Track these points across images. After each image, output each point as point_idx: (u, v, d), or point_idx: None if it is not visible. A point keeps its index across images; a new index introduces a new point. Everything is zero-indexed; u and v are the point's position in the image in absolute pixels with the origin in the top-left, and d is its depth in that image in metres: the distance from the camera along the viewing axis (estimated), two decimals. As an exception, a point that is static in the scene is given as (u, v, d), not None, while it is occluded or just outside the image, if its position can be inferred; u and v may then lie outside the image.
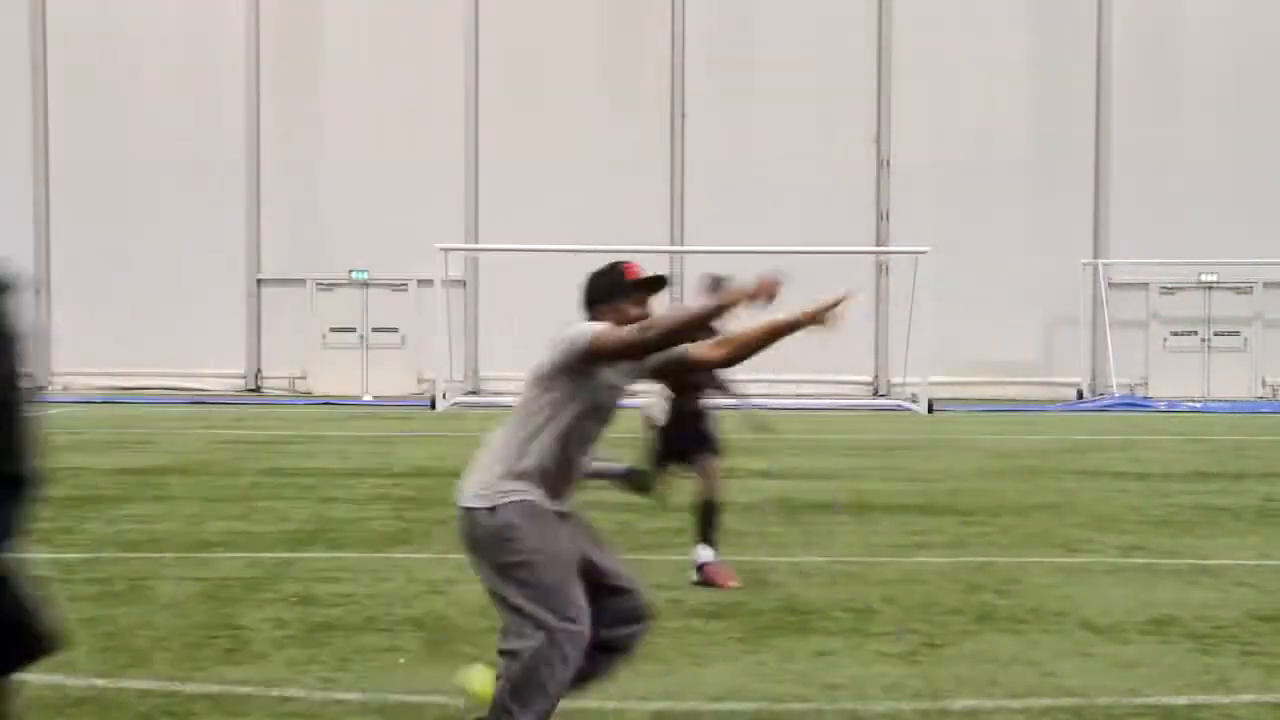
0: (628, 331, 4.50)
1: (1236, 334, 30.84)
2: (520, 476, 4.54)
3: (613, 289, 4.78)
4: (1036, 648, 6.52)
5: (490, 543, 4.51)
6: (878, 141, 30.73)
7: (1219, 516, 11.20)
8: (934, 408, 25.91)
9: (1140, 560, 9.05)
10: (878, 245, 30.53)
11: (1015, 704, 5.55)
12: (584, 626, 4.44)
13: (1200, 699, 5.61)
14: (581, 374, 4.56)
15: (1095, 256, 30.41)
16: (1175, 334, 30.95)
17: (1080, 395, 29.72)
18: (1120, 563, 8.96)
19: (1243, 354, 30.73)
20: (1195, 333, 30.92)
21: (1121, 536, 10.07)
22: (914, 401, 26.65)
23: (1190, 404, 28.04)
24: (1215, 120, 30.52)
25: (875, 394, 30.47)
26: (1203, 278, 30.59)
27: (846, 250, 28.99)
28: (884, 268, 30.73)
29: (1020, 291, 30.23)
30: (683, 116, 30.53)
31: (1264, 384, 30.61)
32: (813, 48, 30.36)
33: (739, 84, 30.34)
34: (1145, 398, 29.18)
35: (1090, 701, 5.58)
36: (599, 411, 4.66)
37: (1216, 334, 30.87)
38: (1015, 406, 27.56)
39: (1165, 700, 5.59)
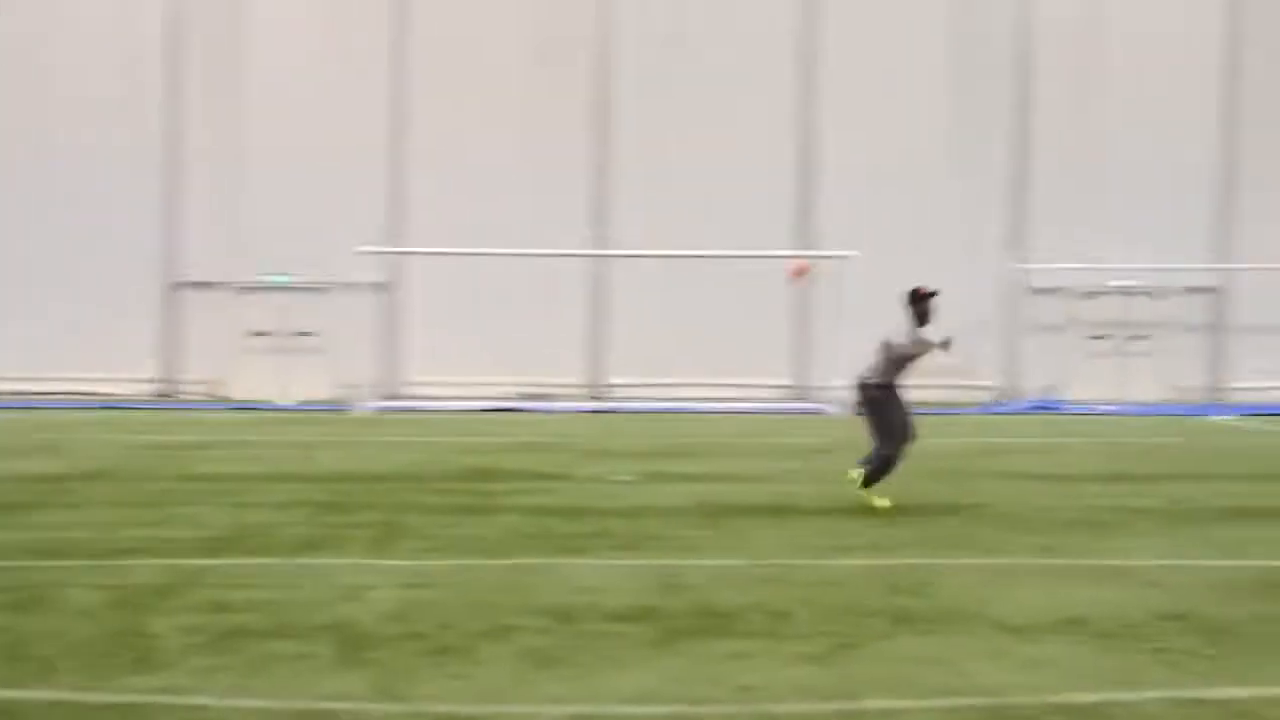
0: None
1: (1148, 338, 31.37)
2: None
3: None
4: (951, 648, 6.57)
5: None
6: (802, 146, 30.90)
7: (1130, 517, 11.38)
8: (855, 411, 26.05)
9: (1054, 561, 9.16)
10: (801, 249, 30.66)
11: (928, 704, 5.59)
12: None
13: (1110, 696, 5.68)
14: None
15: (1014, 261, 30.77)
16: (1092, 338, 31.41)
17: (998, 398, 30.08)
18: (1034, 564, 9.07)
19: (1153, 358, 31.27)
20: (1111, 336, 31.40)
21: (1036, 538, 10.19)
22: (834, 405, 26.80)
23: (1105, 407, 28.46)
24: (1134, 127, 31.00)
25: (798, 398, 30.62)
26: (1119, 283, 31.09)
27: (769, 255, 29.11)
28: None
29: (940, 295, 30.49)
30: (607, 119, 30.53)
31: (1174, 388, 31.13)
32: (738, 51, 30.50)
33: (664, 86, 30.35)
34: (1061, 401, 29.58)
35: (1003, 701, 5.63)
36: None
37: (1131, 338, 31.37)
38: (933, 409, 27.82)
39: (1076, 699, 5.65)
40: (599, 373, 30.65)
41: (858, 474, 11.91)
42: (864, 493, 11.81)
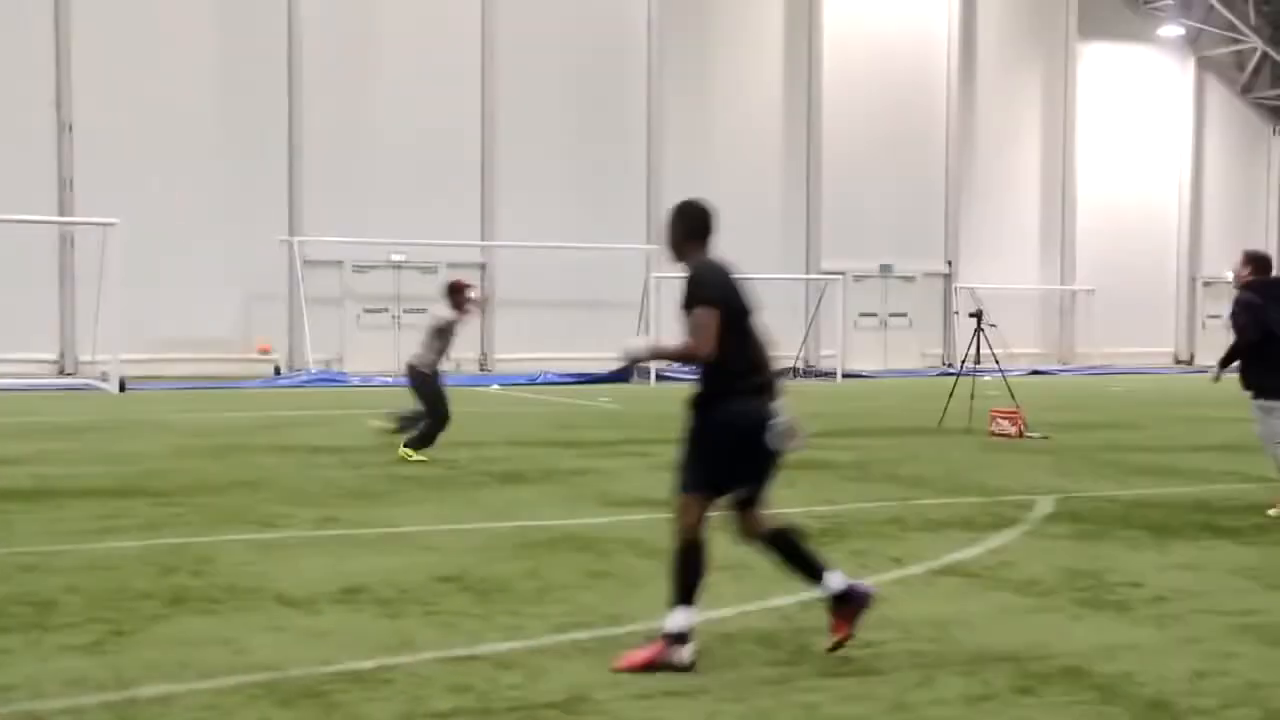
0: None
1: (423, 311, 32.61)
2: None
3: None
4: (230, 626, 6.43)
5: None
6: (58, 105, 29.03)
7: (406, 485, 11.74)
8: (126, 386, 25.00)
9: (334, 532, 9.25)
10: (61, 215, 28.88)
11: (206, 685, 5.41)
12: None
13: (387, 661, 5.79)
14: None
15: (290, 234, 30.80)
16: (368, 310, 32.18)
17: (278, 371, 30.03)
18: (315, 535, 9.10)
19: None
20: (386, 309, 32.33)
21: (317, 509, 10.24)
22: (105, 380, 25.53)
23: (382, 378, 29.24)
24: (405, 109, 32.02)
25: (62, 373, 28.87)
26: (392, 257, 32.04)
27: (27, 219, 27.14)
28: (69, 240, 29.16)
29: (217, 267, 29.97)
30: None
31: (448, 358, 32.58)
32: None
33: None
34: (340, 372, 30.06)
35: (283, 674, 5.58)
36: None
37: (406, 311, 32.50)
38: (213, 384, 27.27)
39: (355, 665, 5.71)
40: None
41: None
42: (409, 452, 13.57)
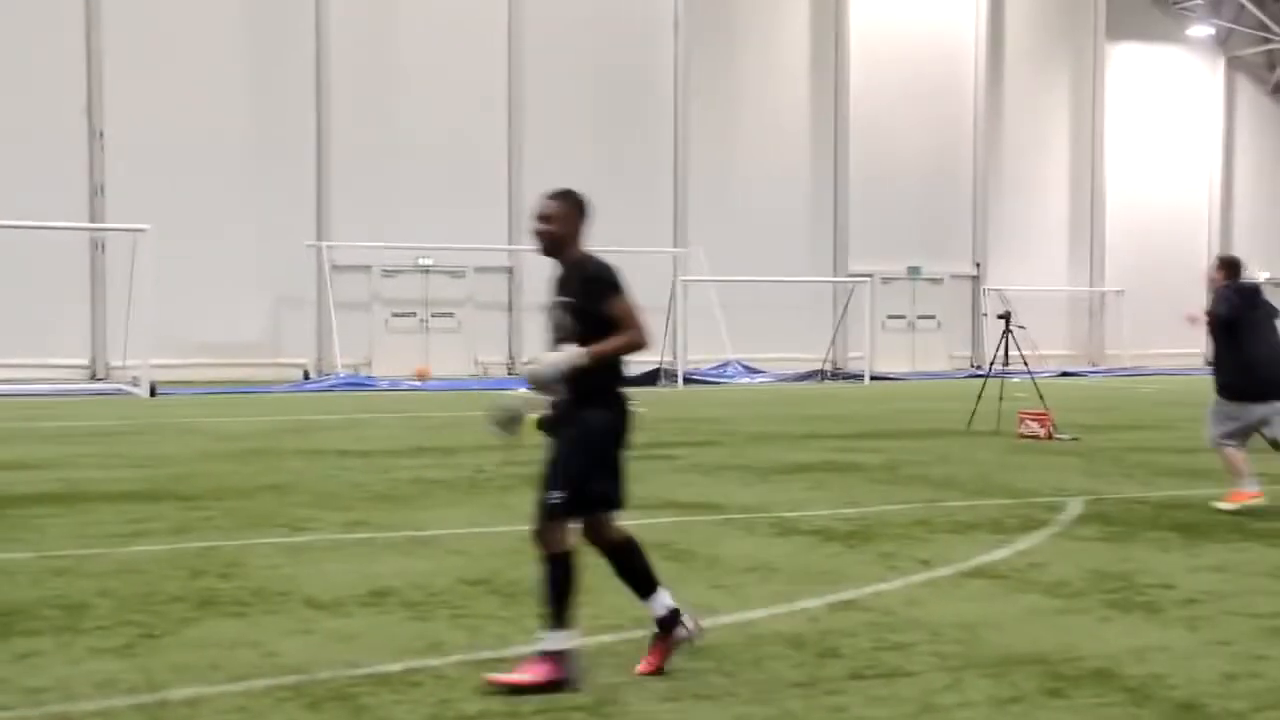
0: None
1: (451, 315, 32.72)
2: None
3: None
4: (259, 629, 6.46)
5: None
6: (89, 113, 29.24)
7: (434, 489, 11.77)
8: (157, 391, 25.14)
9: (361, 535, 9.27)
10: (92, 222, 29.09)
11: (236, 687, 5.44)
12: None
13: (414, 664, 5.81)
14: None
15: (319, 239, 30.93)
16: (396, 315, 32.27)
17: (306, 376, 30.16)
18: (342, 539, 9.13)
19: (458, 334, 32.66)
20: (414, 314, 32.41)
21: (344, 513, 10.27)
22: (135, 385, 25.69)
23: (411, 383, 29.34)
24: (432, 113, 32.11)
25: (93, 378, 29.06)
26: (420, 261, 32.13)
27: (59, 226, 27.35)
28: (100, 246, 29.37)
29: (246, 273, 30.12)
30: None
31: (476, 362, 32.71)
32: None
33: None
34: (369, 377, 30.15)
35: (310, 677, 5.60)
36: None
37: (434, 315, 32.56)
38: (241, 388, 27.40)
39: (382, 668, 5.73)
40: None
41: None
42: None
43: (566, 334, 5.62)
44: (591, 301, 5.54)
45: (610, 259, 5.73)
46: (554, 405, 5.63)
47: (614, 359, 5.64)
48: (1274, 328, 10.72)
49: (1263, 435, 10.74)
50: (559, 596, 5.49)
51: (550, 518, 5.50)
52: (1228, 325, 10.57)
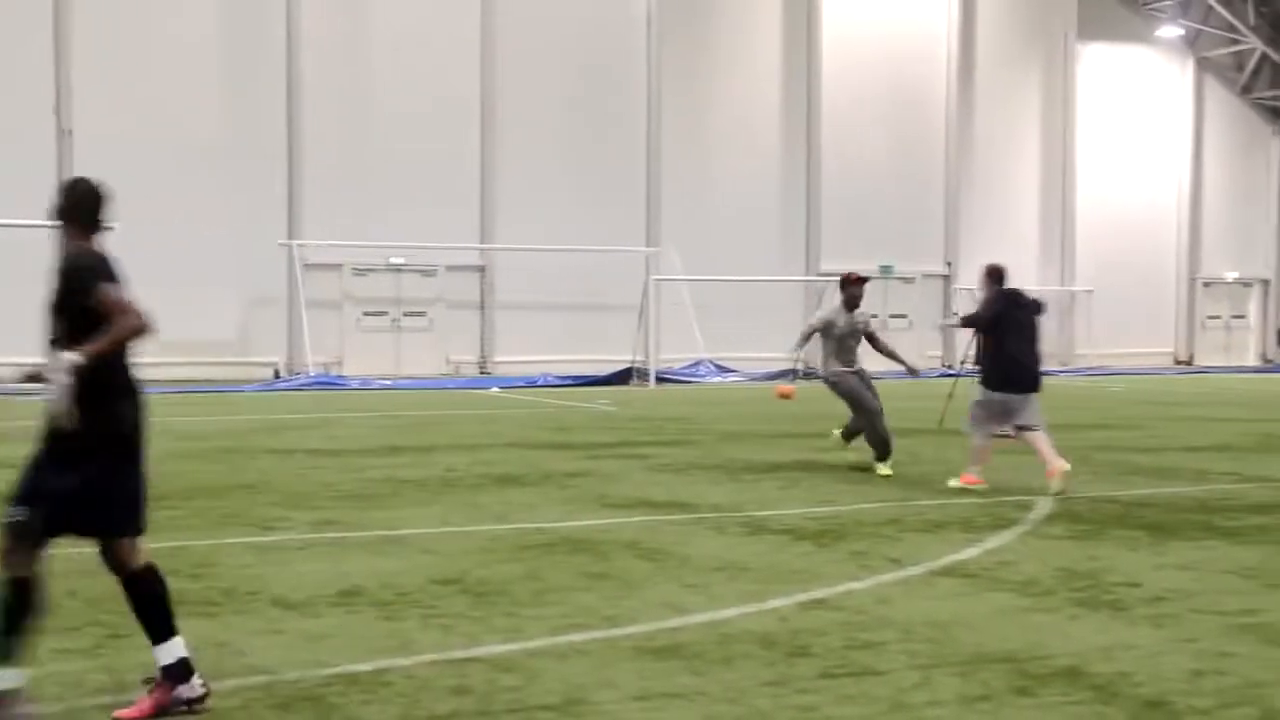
0: None
1: (423, 314, 32.62)
2: None
3: None
4: (228, 629, 6.44)
5: None
6: (58, 111, 29.03)
7: (406, 488, 11.74)
8: (127, 390, 24.94)
9: (332, 534, 9.25)
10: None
11: (204, 688, 5.42)
12: None
13: (384, 663, 5.80)
14: None
15: (290, 237, 30.77)
16: (367, 314, 32.14)
17: (277, 374, 30.02)
18: (313, 538, 9.10)
19: (429, 333, 32.56)
20: (386, 313, 32.30)
21: (315, 512, 10.24)
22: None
23: (381, 381, 29.25)
24: (404, 112, 31.99)
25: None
26: (392, 260, 32.02)
27: (25, 224, 27.12)
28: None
29: (216, 271, 29.94)
30: None
31: (448, 361, 32.62)
32: None
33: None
34: (340, 376, 30.04)
35: (279, 677, 5.59)
36: None
37: (405, 314, 32.45)
38: (212, 387, 27.27)
39: (352, 668, 5.72)
40: None
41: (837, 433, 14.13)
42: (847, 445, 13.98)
43: (57, 336, 5.04)
44: (73, 289, 5.03)
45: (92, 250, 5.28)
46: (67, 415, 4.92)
47: (115, 354, 5.05)
48: (1035, 325, 11.94)
49: (1015, 426, 11.93)
50: (9, 629, 4.88)
51: (15, 536, 4.92)
52: (992, 325, 11.89)
